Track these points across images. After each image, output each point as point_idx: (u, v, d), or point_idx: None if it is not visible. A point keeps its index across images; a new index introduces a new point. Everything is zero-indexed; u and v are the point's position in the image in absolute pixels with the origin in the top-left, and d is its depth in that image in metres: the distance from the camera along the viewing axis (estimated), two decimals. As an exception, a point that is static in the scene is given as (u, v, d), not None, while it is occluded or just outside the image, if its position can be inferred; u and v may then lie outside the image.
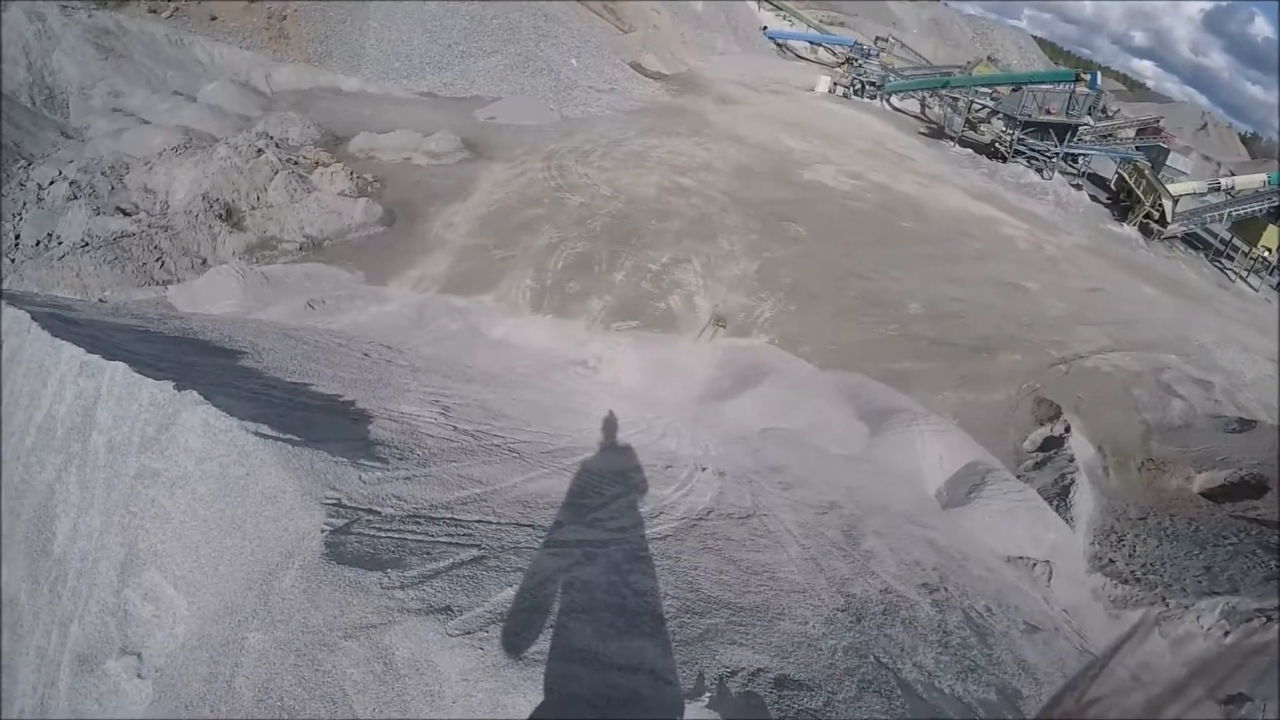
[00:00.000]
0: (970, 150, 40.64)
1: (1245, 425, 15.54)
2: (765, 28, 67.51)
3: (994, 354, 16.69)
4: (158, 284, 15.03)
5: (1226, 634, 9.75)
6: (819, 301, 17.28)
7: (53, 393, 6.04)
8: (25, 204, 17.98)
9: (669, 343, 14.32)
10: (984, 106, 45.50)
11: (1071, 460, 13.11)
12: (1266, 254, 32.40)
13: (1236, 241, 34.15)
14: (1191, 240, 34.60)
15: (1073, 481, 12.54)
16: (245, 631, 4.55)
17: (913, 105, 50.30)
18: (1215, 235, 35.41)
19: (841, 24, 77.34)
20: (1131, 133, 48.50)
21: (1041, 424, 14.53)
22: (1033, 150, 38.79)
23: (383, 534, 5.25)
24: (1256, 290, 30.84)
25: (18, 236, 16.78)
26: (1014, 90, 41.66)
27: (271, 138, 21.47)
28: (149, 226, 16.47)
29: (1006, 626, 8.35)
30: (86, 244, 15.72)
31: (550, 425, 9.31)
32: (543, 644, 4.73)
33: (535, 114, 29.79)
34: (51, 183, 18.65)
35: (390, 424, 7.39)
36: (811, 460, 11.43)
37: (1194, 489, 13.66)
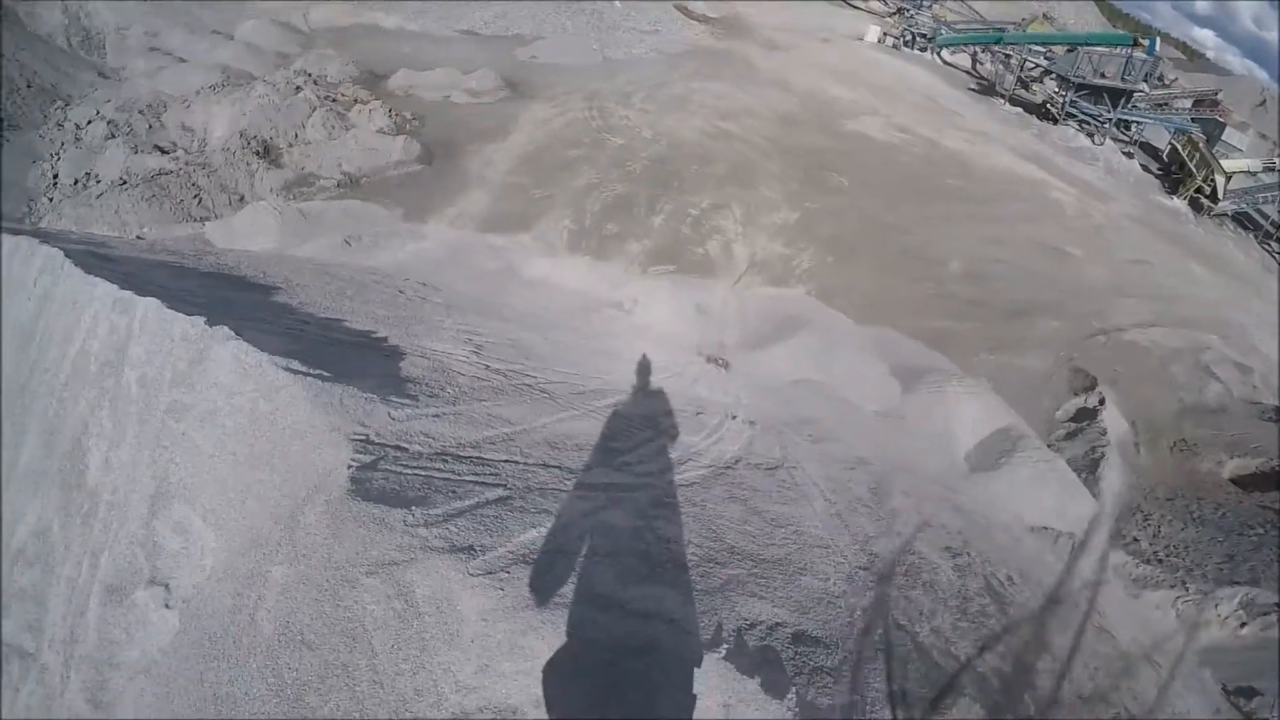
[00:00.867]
0: (1020, 109, 39.00)
1: (1281, 414, 15.00)
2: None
3: (1032, 319, 16.23)
4: (195, 220, 15.14)
5: (1243, 625, 9.59)
6: (858, 254, 16.86)
7: (86, 329, 6.10)
8: (63, 144, 18.14)
9: (706, 287, 14.14)
10: (1037, 65, 43.33)
11: (1104, 434, 12.82)
12: (1318, 239, 30.73)
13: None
14: (1242, 220, 32.91)
15: (1103, 455, 12.28)
16: (269, 565, 4.61)
17: (964, 60, 47.88)
18: (1267, 217, 33.85)
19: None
20: (1187, 103, 46.09)
21: (1076, 394, 14.18)
22: (1085, 114, 37.04)
23: (409, 471, 5.25)
24: (1304, 276, 29.60)
25: (56, 176, 16.95)
26: (1069, 51, 39.41)
27: (309, 75, 21.33)
28: (187, 164, 16.54)
29: (1026, 597, 8.27)
30: (125, 182, 15.83)
31: (582, 367, 9.25)
32: (564, 587, 4.73)
33: (578, 54, 29.23)
34: (89, 122, 18.76)
35: (422, 361, 7.38)
36: (843, 414, 11.30)
37: (1224, 475, 13.29)
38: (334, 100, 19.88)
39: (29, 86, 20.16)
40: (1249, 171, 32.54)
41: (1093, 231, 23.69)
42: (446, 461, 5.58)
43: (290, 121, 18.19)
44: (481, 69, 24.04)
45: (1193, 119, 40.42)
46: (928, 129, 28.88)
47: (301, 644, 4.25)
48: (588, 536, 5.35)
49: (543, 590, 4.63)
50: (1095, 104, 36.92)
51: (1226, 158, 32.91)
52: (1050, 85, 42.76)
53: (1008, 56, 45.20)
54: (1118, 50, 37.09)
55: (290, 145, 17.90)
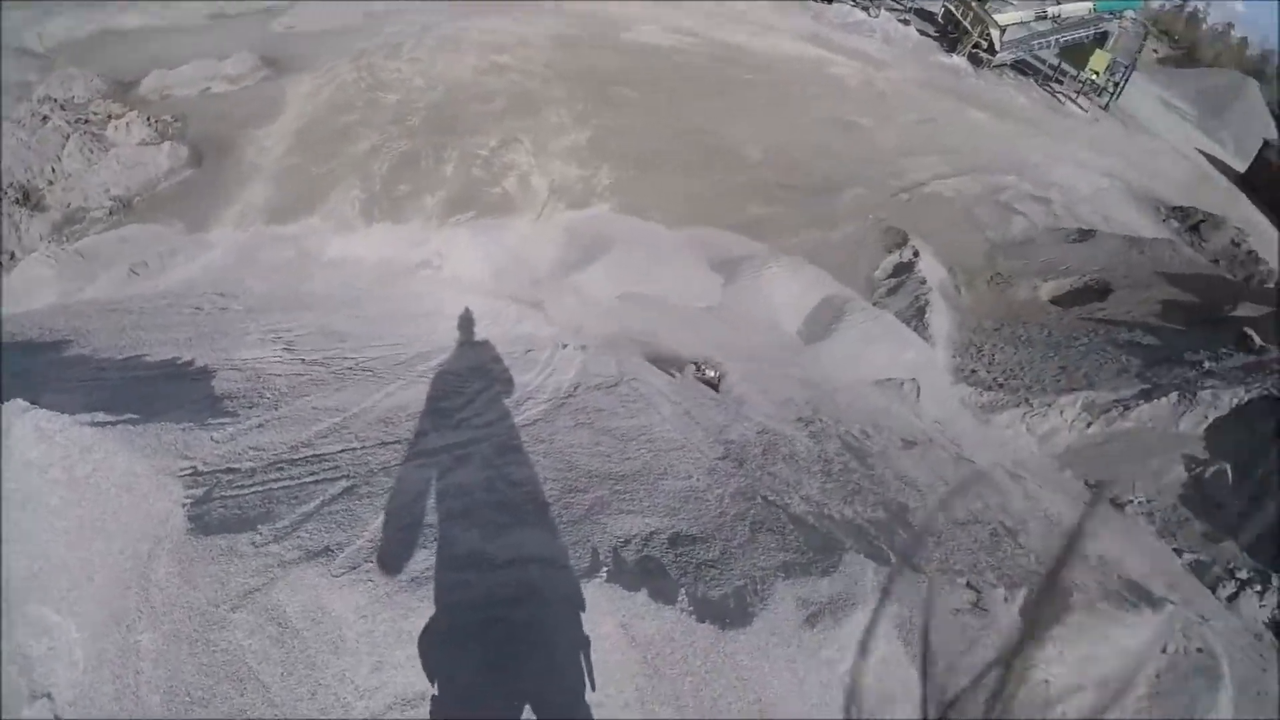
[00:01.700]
0: (796, -8, 39.89)
1: (1085, 235, 16.81)
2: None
3: (837, 191, 17.07)
4: (-40, 295, 13.80)
5: (1089, 425, 10.64)
6: (660, 161, 17.08)
7: None
8: None
9: (509, 226, 14.05)
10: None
11: (924, 282, 13.61)
12: (1094, 77, 34.25)
13: (1065, 66, 35.76)
14: (1021, 67, 35.80)
15: (927, 302, 13.03)
16: (136, 635, 4.39)
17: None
18: (1044, 61, 36.83)
19: None
20: (955, -35, 48.12)
21: (890, 251, 14.94)
22: (855, -13, 38.45)
23: (246, 490, 5.09)
24: (1085, 111, 32.78)
25: None
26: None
27: (55, 100, 19.29)
28: (-70, 233, 14.91)
29: (883, 445, 8.75)
30: None
31: (399, 335, 9.04)
32: (428, 559, 4.77)
33: (337, 13, 27.72)
34: None
35: (234, 374, 7.02)
36: (673, 318, 11.59)
37: (1042, 297, 14.68)
38: (87, 122, 18.24)
39: None
40: (1022, 22, 34.56)
41: (878, 99, 24.95)
42: (282, 469, 5.44)
43: (44, 157, 16.45)
44: (238, 52, 22.50)
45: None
46: (708, 28, 29.18)
47: (192, 704, 4.12)
48: (440, 501, 5.40)
49: (410, 568, 4.67)
50: (864, -23, 38.15)
51: (1000, 12, 34.73)
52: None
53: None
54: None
55: (50, 183, 16.21)
